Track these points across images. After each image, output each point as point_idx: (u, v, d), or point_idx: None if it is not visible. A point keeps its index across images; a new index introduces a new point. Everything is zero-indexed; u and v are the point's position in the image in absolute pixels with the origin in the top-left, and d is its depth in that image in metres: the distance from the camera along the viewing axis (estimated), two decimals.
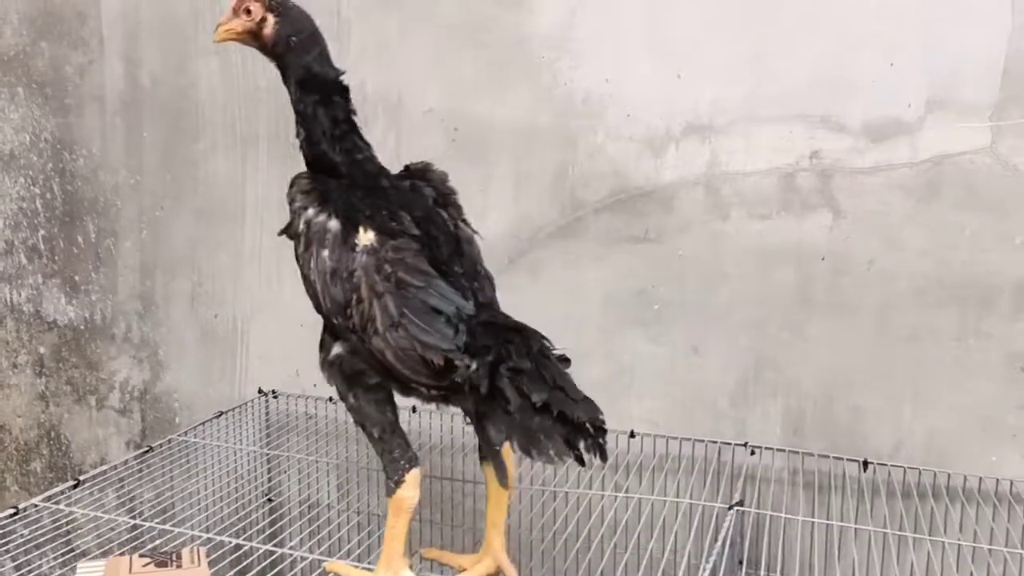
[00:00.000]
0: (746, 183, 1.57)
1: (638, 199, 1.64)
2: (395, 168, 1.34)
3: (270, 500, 1.84)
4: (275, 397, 1.85)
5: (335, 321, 1.06)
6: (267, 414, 1.84)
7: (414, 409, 1.75)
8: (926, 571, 1.40)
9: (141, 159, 2.02)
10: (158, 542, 1.24)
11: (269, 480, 1.82)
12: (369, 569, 1.18)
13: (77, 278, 2.13)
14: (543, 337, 1.02)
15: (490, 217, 1.72)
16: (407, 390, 1.09)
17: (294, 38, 1.18)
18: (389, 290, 1.03)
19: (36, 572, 1.15)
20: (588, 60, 1.64)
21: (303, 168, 1.23)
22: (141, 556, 1.10)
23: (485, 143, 1.74)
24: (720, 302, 1.60)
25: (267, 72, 1.87)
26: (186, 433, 1.61)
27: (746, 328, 1.59)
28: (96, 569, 1.06)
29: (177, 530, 1.28)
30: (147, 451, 1.51)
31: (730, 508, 1.27)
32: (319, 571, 1.19)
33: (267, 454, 1.77)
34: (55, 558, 1.18)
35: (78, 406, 2.17)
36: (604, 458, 0.95)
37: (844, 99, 1.50)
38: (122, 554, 1.11)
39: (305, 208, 1.11)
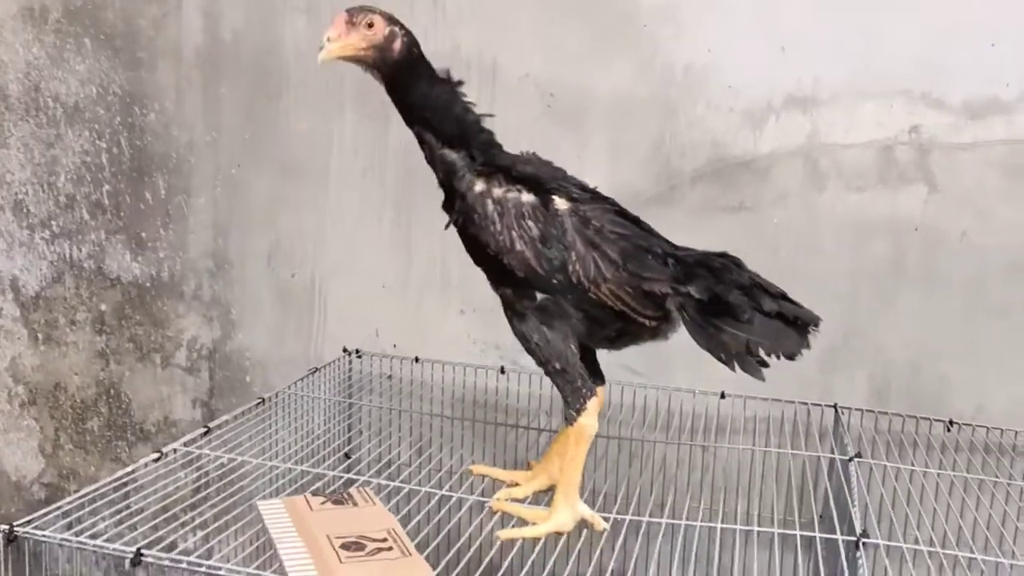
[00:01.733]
0: (845, 155, 1.63)
1: (735, 169, 1.69)
2: None
3: (347, 456, 1.86)
4: (359, 356, 1.87)
5: (554, 280, 1.14)
6: (350, 373, 1.86)
7: (502, 370, 1.79)
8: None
9: (218, 116, 2.01)
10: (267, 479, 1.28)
11: (349, 441, 1.84)
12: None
13: (144, 235, 2.11)
14: None
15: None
16: (626, 329, 1.19)
17: (415, 48, 1.19)
18: (603, 241, 1.14)
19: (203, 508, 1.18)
20: (691, 31, 1.68)
21: (403, 130, 1.25)
22: (314, 495, 1.12)
23: (582, 111, 1.77)
24: (813, 271, 1.66)
25: None
26: (289, 387, 1.62)
27: (838, 297, 1.65)
28: (275, 506, 1.08)
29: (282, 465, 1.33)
30: (260, 402, 1.52)
31: (850, 460, 1.34)
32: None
33: (349, 404, 1.78)
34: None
35: (141, 364, 2.16)
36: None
37: (945, 77, 1.56)
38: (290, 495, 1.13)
39: (489, 191, 1.16)
